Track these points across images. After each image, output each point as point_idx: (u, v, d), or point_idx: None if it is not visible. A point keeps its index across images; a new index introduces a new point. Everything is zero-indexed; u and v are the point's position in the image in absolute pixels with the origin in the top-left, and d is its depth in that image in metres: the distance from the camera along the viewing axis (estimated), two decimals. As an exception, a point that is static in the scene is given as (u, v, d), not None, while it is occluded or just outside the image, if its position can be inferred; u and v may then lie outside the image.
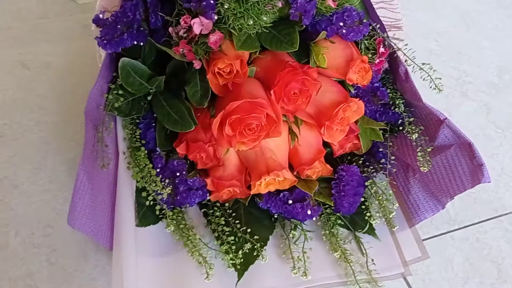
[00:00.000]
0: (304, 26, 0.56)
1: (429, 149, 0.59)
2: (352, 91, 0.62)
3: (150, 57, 0.57)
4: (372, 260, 0.59)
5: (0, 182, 0.64)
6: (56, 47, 0.81)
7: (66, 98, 0.74)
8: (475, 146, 0.56)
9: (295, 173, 0.61)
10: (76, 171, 0.63)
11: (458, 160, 0.58)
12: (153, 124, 0.59)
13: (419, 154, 0.59)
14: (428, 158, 0.59)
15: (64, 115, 0.72)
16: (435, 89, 0.58)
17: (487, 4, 1.00)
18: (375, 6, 0.61)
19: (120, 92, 0.55)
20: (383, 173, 0.64)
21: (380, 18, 0.62)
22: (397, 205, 0.62)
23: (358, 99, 0.58)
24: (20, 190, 0.63)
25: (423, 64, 0.58)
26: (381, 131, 0.64)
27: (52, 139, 0.69)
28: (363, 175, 0.64)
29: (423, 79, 0.58)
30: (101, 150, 0.51)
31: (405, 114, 0.63)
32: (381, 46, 0.59)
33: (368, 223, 0.62)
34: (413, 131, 0.61)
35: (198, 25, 0.51)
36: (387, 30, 0.62)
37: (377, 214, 0.63)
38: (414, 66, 0.59)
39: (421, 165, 0.59)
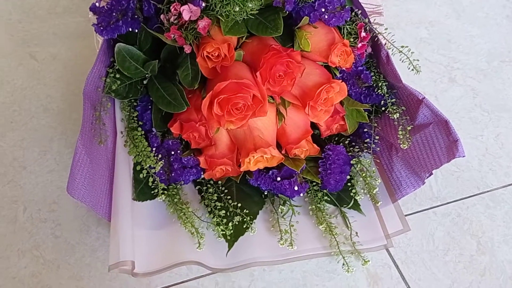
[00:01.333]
0: (288, 12, 0.60)
1: (409, 127, 0.63)
2: (338, 74, 0.66)
3: (146, 44, 0.62)
4: (356, 233, 0.63)
5: (10, 163, 0.69)
6: (62, 40, 0.86)
7: (71, 87, 0.79)
8: (451, 123, 0.59)
9: (283, 152, 0.65)
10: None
11: (436, 137, 0.61)
12: (150, 107, 0.64)
13: (400, 132, 0.63)
14: (408, 136, 0.62)
15: (69, 102, 0.77)
16: (413, 70, 0.61)
17: (478, -6, 1.02)
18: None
19: (117, 76, 0.59)
20: (368, 152, 0.68)
21: (362, 4, 0.65)
22: (379, 180, 0.65)
23: (341, 81, 0.62)
24: (28, 170, 0.68)
25: (402, 46, 0.62)
26: (366, 113, 0.68)
27: (58, 124, 0.74)
28: (349, 154, 0.67)
29: (402, 61, 0.62)
30: (99, 127, 0.55)
31: (387, 95, 0.66)
32: (363, 30, 0.63)
33: (353, 199, 0.66)
34: (395, 111, 0.64)
35: (187, 11, 0.56)
36: (368, 15, 0.65)
37: (362, 191, 0.66)
38: (393, 49, 0.62)
39: (401, 142, 0.62)
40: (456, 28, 0.96)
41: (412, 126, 0.63)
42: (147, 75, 0.62)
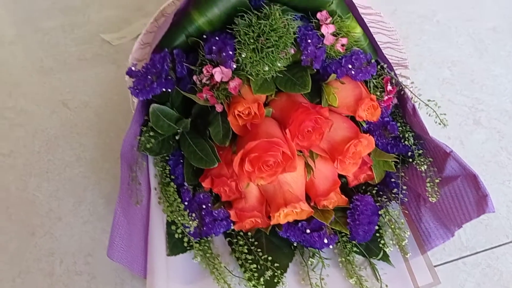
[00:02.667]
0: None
1: (437, 180, 0.63)
2: (364, 125, 0.67)
3: (177, 101, 0.64)
4: (386, 286, 0.63)
5: (46, 214, 0.71)
6: (93, 87, 0.89)
7: (103, 135, 0.81)
8: (480, 178, 0.60)
9: (312, 204, 0.66)
10: (112, 203, 0.71)
11: (464, 191, 0.61)
12: (181, 161, 0.66)
13: (428, 185, 0.63)
14: (436, 188, 0.63)
15: (101, 151, 0.79)
16: (440, 124, 0.62)
17: (501, 33, 1.03)
18: (382, 46, 0.66)
19: (151, 133, 0.61)
20: (396, 202, 0.68)
21: (387, 56, 0.67)
22: (409, 233, 0.66)
23: (368, 134, 0.63)
24: (63, 221, 0.70)
25: (429, 100, 0.63)
26: (393, 162, 0.69)
27: (91, 173, 0.76)
28: (377, 204, 0.68)
29: (429, 115, 0.62)
30: (135, 188, 0.57)
31: (414, 146, 0.67)
32: (389, 84, 0.64)
33: (382, 250, 0.66)
34: (422, 163, 0.65)
35: (219, 73, 0.58)
36: (394, 68, 0.67)
37: (391, 242, 0.67)
38: (420, 103, 0.63)
39: (429, 195, 0.62)
40: (479, 67, 0.96)
41: (440, 178, 0.63)
42: (179, 131, 0.63)
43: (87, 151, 0.79)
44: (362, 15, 0.63)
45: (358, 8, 0.62)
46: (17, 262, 0.66)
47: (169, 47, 0.60)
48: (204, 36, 0.60)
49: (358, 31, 0.63)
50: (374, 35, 0.65)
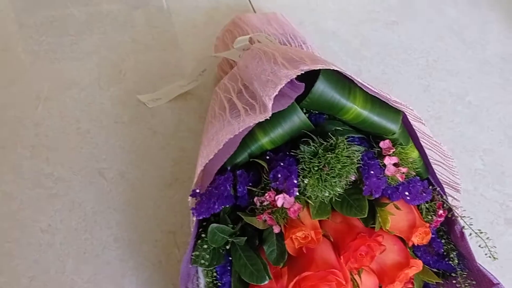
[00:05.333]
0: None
1: (481, 308, 0.64)
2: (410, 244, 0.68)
3: (228, 208, 0.64)
4: None
5: (86, 303, 0.71)
6: (130, 155, 0.89)
7: (140, 214, 0.81)
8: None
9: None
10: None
11: (508, 323, 0.62)
12: (229, 268, 0.66)
13: (470, 310, 0.65)
14: (479, 316, 0.64)
15: (138, 231, 0.79)
16: (489, 257, 0.63)
17: (531, 118, 1.04)
18: (434, 163, 0.67)
19: (205, 246, 0.61)
20: (434, 316, 0.69)
21: (438, 175, 0.68)
22: None
23: (417, 259, 0.64)
24: (103, 313, 0.70)
25: (480, 232, 0.63)
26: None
27: (128, 257, 0.76)
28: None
29: (480, 246, 0.63)
30: (192, 310, 0.57)
31: (458, 267, 0.68)
32: (441, 208, 0.65)
33: None
34: (465, 287, 0.66)
35: (281, 200, 0.58)
36: (445, 189, 0.67)
37: None
38: (471, 233, 0.64)
39: (472, 322, 0.64)
40: (509, 158, 0.97)
41: (483, 305, 0.64)
42: (229, 240, 0.63)
43: (124, 231, 0.79)
44: (421, 139, 0.63)
45: (418, 134, 0.62)
46: None
47: (231, 164, 0.60)
48: (268, 158, 0.60)
49: (415, 155, 0.64)
50: (426, 150, 0.66)
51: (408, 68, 1.13)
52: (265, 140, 0.60)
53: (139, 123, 0.94)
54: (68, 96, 0.98)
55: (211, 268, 0.64)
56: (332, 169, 0.58)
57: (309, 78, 0.59)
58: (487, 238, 0.63)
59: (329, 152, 0.57)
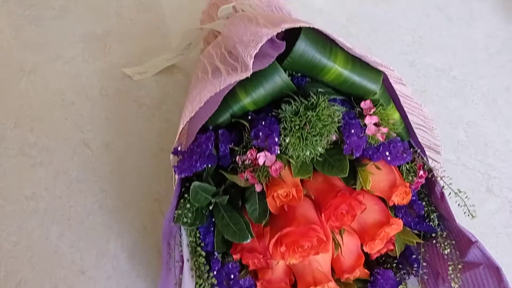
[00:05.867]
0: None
1: (459, 266, 0.65)
2: (391, 204, 0.69)
3: (211, 170, 0.64)
4: None
5: (69, 266, 0.71)
6: (115, 126, 0.89)
7: (125, 183, 0.81)
8: (503, 271, 0.62)
9: (335, 278, 0.67)
10: (135, 257, 0.71)
11: (486, 280, 0.64)
12: (212, 229, 0.66)
13: (450, 268, 0.66)
14: (458, 274, 0.65)
15: (123, 199, 0.79)
16: (469, 215, 0.64)
17: (514, 93, 1.06)
18: (415, 127, 0.68)
19: (188, 205, 0.62)
20: (415, 277, 0.70)
21: (420, 138, 0.68)
22: (428, 314, 0.68)
23: (398, 218, 0.65)
24: (86, 275, 0.70)
25: (459, 191, 0.64)
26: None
27: (113, 223, 0.76)
28: (397, 278, 0.70)
29: (458, 205, 0.64)
30: (173, 266, 0.58)
31: (438, 228, 0.69)
32: (421, 170, 0.66)
33: (400, 325, 0.69)
34: (446, 246, 0.67)
35: (263, 158, 0.58)
36: (426, 151, 0.68)
37: (408, 317, 0.69)
38: (450, 192, 0.65)
39: (451, 280, 0.65)
40: (492, 130, 0.99)
41: (462, 264, 0.65)
42: (212, 201, 0.64)
43: (109, 199, 0.79)
44: (402, 102, 0.64)
45: (399, 96, 0.63)
46: (41, 318, 0.67)
47: (213, 124, 0.61)
48: (249, 117, 0.60)
49: (396, 117, 0.65)
50: (408, 115, 0.66)
51: (393, 45, 1.14)
52: (247, 101, 0.61)
53: (124, 95, 0.94)
54: (52, 69, 0.97)
55: (193, 228, 0.65)
56: (313, 128, 0.58)
57: (291, 39, 0.60)
58: (466, 197, 0.64)
59: (310, 111, 0.58)
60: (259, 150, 0.58)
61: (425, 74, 1.08)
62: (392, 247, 0.71)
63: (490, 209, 0.86)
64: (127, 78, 0.97)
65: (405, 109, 0.66)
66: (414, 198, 0.70)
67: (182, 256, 0.62)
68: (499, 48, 1.15)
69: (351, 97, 0.63)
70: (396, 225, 0.64)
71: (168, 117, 0.91)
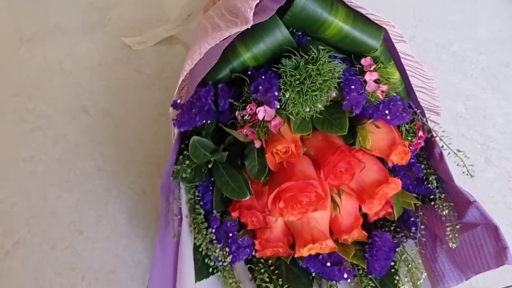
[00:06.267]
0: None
1: (457, 226, 0.65)
2: (390, 164, 0.69)
3: (211, 128, 0.64)
4: (400, 322, 0.66)
5: (67, 227, 0.71)
6: (114, 94, 0.88)
7: (124, 147, 0.81)
8: (501, 230, 0.62)
9: (333, 238, 0.67)
10: (133, 219, 0.71)
11: (484, 240, 0.64)
12: (211, 188, 0.66)
13: (448, 229, 0.66)
14: (456, 234, 0.65)
15: (122, 163, 0.79)
16: (467, 174, 0.64)
17: (513, 69, 1.06)
18: (416, 89, 0.68)
19: (187, 162, 0.62)
20: (413, 240, 0.71)
21: (420, 100, 0.68)
22: (425, 274, 0.68)
23: (396, 178, 0.65)
24: (84, 235, 0.70)
25: (458, 151, 0.64)
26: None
27: (112, 186, 0.76)
28: (394, 240, 0.70)
29: (457, 164, 0.64)
30: (172, 219, 0.58)
31: (437, 190, 0.69)
32: (420, 130, 0.66)
33: (396, 287, 0.69)
34: (444, 208, 0.67)
35: (262, 112, 0.58)
36: (425, 113, 0.68)
37: (405, 279, 0.69)
38: (449, 152, 0.65)
39: (449, 240, 0.65)
40: (491, 103, 0.99)
41: (460, 224, 0.65)
42: (212, 159, 0.64)
43: (108, 163, 0.79)
44: (403, 62, 0.64)
45: (400, 55, 0.63)
46: (38, 276, 0.66)
47: (213, 79, 0.61)
48: (249, 72, 0.60)
49: (396, 76, 0.65)
50: (409, 78, 0.66)
51: (394, 21, 1.14)
52: (247, 56, 0.60)
53: (124, 64, 0.94)
54: (51, 38, 0.97)
55: (192, 185, 0.65)
56: (313, 83, 0.58)
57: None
58: (465, 156, 0.64)
59: (311, 65, 0.58)
60: (259, 104, 0.58)
61: (425, 49, 1.08)
62: (390, 210, 0.71)
63: (488, 178, 0.86)
64: (127, 48, 0.97)
65: (406, 70, 0.66)
66: (413, 161, 0.70)
67: (180, 209, 0.62)
68: (500, 26, 1.14)
69: (351, 56, 0.63)
70: (395, 185, 0.64)
71: (168, 85, 0.91)
